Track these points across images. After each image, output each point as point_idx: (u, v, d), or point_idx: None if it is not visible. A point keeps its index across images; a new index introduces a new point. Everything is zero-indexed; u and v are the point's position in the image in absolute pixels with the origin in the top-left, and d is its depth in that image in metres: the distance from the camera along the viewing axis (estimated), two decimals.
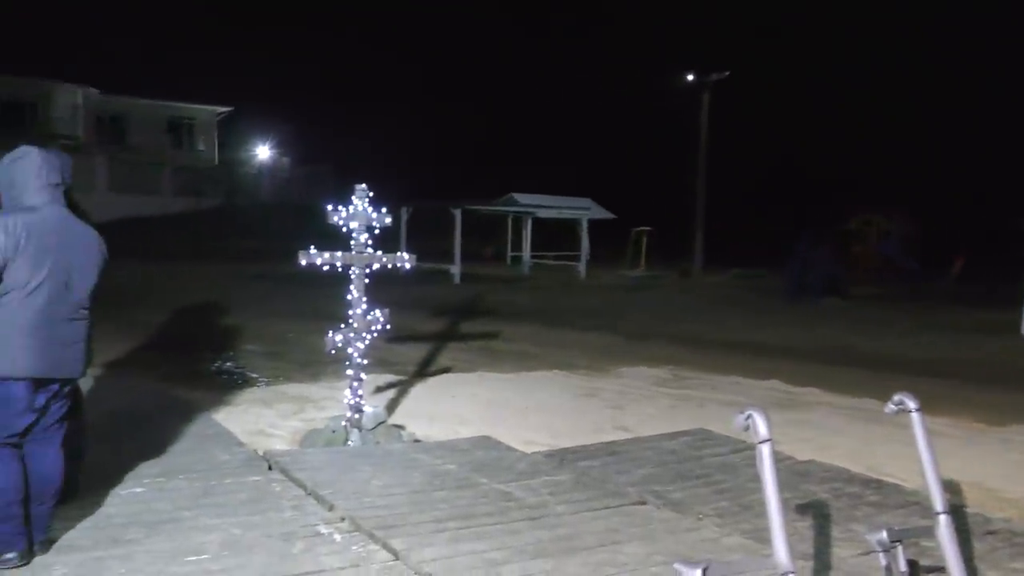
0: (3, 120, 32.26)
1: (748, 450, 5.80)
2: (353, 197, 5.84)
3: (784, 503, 4.76)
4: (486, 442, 5.85)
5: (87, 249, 3.63)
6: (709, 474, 5.35)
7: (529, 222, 28.81)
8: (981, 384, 10.11)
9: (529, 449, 5.84)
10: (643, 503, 4.70)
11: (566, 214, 30.00)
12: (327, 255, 5.70)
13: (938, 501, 2.90)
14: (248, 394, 7.51)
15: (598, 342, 12.37)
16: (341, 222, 5.81)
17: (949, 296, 22.36)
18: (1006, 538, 4.42)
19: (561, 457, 5.61)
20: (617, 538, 4.08)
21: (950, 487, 5.36)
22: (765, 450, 2.59)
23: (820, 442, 6.58)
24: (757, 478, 2.73)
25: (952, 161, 32.92)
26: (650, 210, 31.42)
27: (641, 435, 6.50)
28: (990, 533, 4.49)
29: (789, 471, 5.51)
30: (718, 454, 5.83)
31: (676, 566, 2.64)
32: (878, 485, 5.25)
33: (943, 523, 2.88)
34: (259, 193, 38.50)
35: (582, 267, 27.05)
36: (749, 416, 2.62)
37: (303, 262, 5.66)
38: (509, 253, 30.97)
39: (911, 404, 2.96)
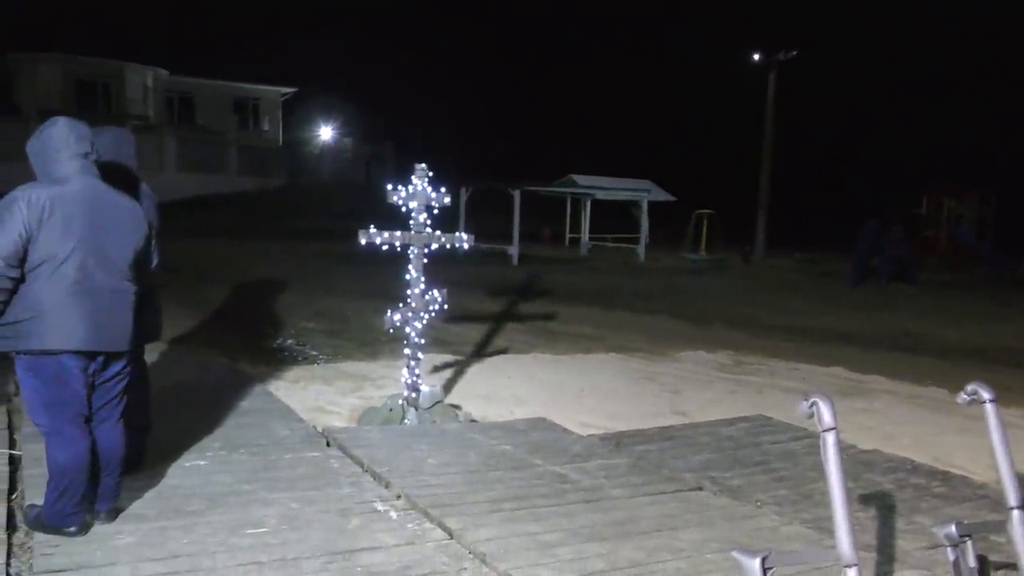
0: (78, 99, 33.20)
1: (808, 438, 5.69)
2: (413, 177, 5.85)
3: (848, 493, 4.67)
4: (542, 423, 5.84)
5: (123, 219, 3.57)
6: (768, 461, 5.25)
7: (588, 203, 28.61)
8: None
9: (585, 432, 5.82)
10: (700, 489, 4.64)
11: (625, 196, 29.72)
12: (387, 234, 5.73)
13: (1012, 495, 2.78)
14: (308, 371, 7.63)
15: (656, 325, 12.25)
16: (401, 202, 5.83)
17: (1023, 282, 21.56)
18: None
19: (617, 440, 5.57)
20: (673, 523, 4.04)
21: (1022, 481, 5.19)
22: (830, 438, 2.52)
23: (884, 431, 6.42)
24: (818, 466, 2.66)
25: None
26: (712, 193, 30.92)
27: (699, 420, 6.42)
28: None
29: (852, 460, 5.38)
30: (778, 441, 5.72)
31: (734, 554, 2.59)
32: (944, 477, 5.10)
33: (1016, 518, 2.76)
34: (321, 173, 39.00)
35: (641, 250, 26.77)
36: (814, 403, 2.55)
37: (363, 241, 5.70)
38: (568, 234, 30.82)
39: (985, 394, 2.84)
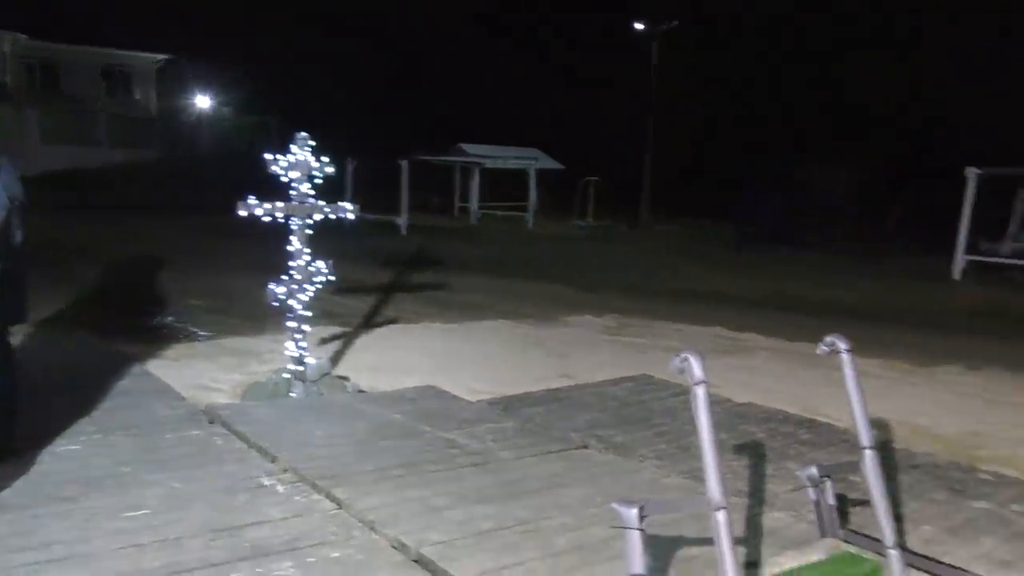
0: None
1: (688, 394, 5.94)
2: (293, 146, 5.72)
3: (722, 443, 4.90)
4: (431, 391, 5.87)
5: None
6: (650, 418, 5.46)
7: (477, 173, 28.62)
8: (914, 327, 10.44)
9: (474, 398, 5.88)
10: (585, 447, 4.77)
11: (514, 164, 29.88)
12: (267, 206, 5.59)
13: (864, 437, 2.99)
14: (189, 348, 7.41)
15: (546, 292, 12.43)
16: (281, 172, 5.69)
17: (890, 243, 22.92)
18: (929, 471, 4.61)
19: (506, 405, 5.66)
20: (560, 482, 4.15)
21: (880, 425, 5.57)
22: (700, 391, 2.64)
23: (759, 385, 6.75)
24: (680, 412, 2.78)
25: (902, 108, 33.40)
26: (599, 161, 31.40)
27: (585, 382, 6.58)
28: (914, 467, 4.68)
29: (728, 413, 5.66)
30: (659, 398, 5.94)
31: (613, 506, 2.70)
32: (812, 424, 5.43)
33: (868, 458, 2.98)
34: (200, 144, 37.51)
35: (530, 217, 27.03)
36: (685, 359, 2.66)
37: (242, 213, 5.55)
38: (457, 204, 30.78)
39: (841, 345, 3.03)
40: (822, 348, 3.07)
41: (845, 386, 3.06)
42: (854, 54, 35.60)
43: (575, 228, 26.08)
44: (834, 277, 15.89)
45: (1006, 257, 17.68)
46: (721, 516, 2.55)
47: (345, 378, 6.23)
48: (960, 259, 16.57)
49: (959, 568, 3.11)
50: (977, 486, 4.43)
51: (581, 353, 7.97)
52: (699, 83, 37.59)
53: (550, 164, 31.69)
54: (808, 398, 6.29)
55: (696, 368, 2.62)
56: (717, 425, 5.42)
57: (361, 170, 24.08)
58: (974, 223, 17.22)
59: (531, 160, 29.37)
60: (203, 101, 40.74)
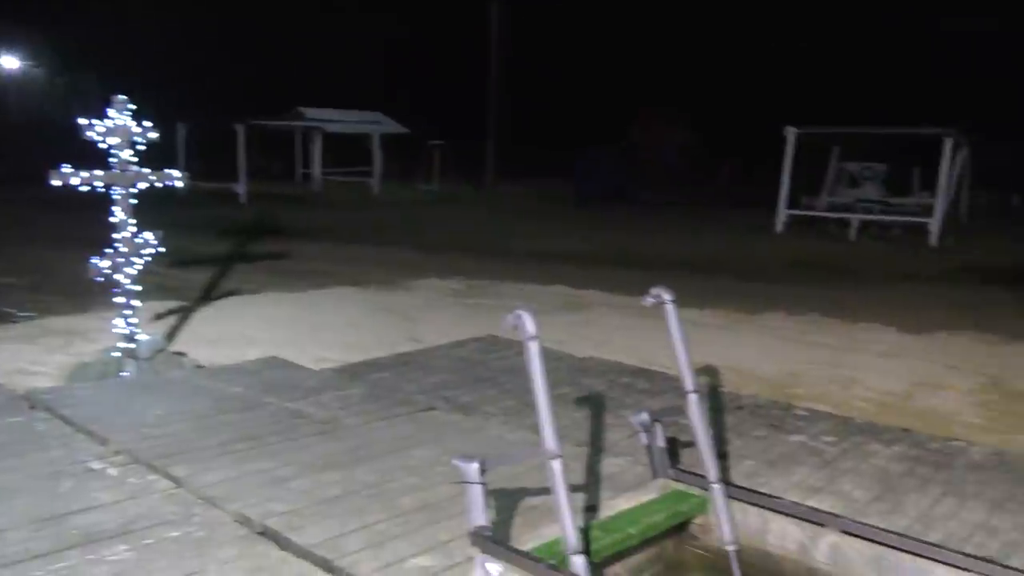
0: None
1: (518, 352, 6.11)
2: (111, 110, 5.37)
3: (564, 397, 5.09)
4: (274, 362, 5.74)
5: None
6: (496, 377, 5.57)
7: (319, 138, 27.85)
8: (742, 277, 11.13)
9: (320, 366, 5.80)
10: (433, 409, 4.82)
11: (357, 128, 29.26)
12: (84, 175, 5.25)
13: (688, 382, 3.19)
14: (5, 331, 6.88)
15: (392, 257, 12.36)
16: (99, 138, 5.35)
17: (721, 200, 24.18)
18: (752, 411, 4.97)
19: (352, 372, 5.62)
20: (407, 444, 4.18)
21: (710, 370, 5.94)
22: (532, 347, 2.72)
23: (599, 339, 7.02)
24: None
25: (731, 67, 35.00)
26: (444, 124, 31.26)
27: (433, 345, 6.62)
28: (740, 408, 5.03)
29: (570, 368, 5.86)
30: (504, 357, 6.06)
31: (454, 462, 2.76)
32: (648, 374, 5.71)
33: (692, 401, 3.18)
34: (6, 109, 34.47)
35: (376, 183, 26.64)
36: (518, 316, 2.74)
37: (57, 183, 5.18)
38: (299, 170, 29.88)
39: (666, 296, 3.20)
40: (648, 300, 3.23)
41: (670, 334, 3.24)
42: (686, 15, 36.95)
43: (421, 193, 25.96)
44: (669, 233, 16.65)
45: (823, 211, 19.10)
46: (556, 465, 2.66)
47: (182, 354, 5.99)
48: (782, 213, 17.73)
49: (775, 496, 3.39)
50: (794, 422, 4.81)
51: (428, 317, 8.01)
52: (540, 43, 38.01)
53: (394, 128, 31.24)
54: (644, 349, 6.59)
55: (528, 324, 2.70)
56: (560, 380, 5.64)
57: (194, 136, 22.92)
58: (795, 179, 18.44)
59: (374, 124, 28.88)
60: (9, 62, 37.34)
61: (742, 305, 8.88)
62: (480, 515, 2.69)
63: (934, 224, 16.08)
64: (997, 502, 3.68)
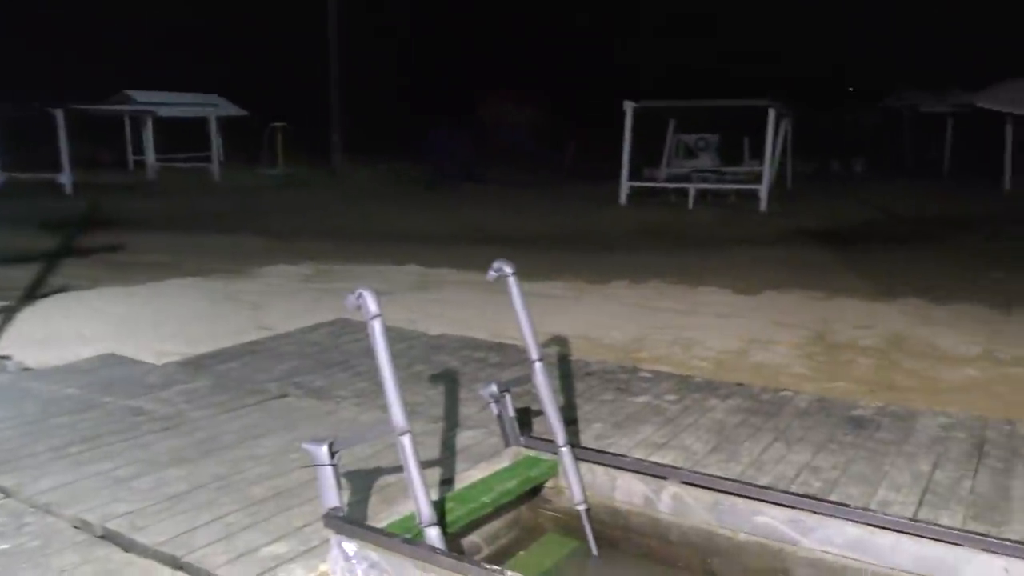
0: None
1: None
2: None
3: (418, 375, 5.11)
4: (111, 359, 5.46)
5: None
6: (348, 360, 5.52)
7: (150, 122, 26.35)
8: (590, 249, 11.47)
9: (162, 361, 5.56)
10: (284, 396, 4.74)
11: (191, 112, 27.89)
12: None
13: (533, 351, 3.27)
14: None
15: (237, 244, 11.94)
16: None
17: (569, 176, 24.72)
18: (601, 377, 5.16)
19: (197, 364, 5.42)
20: (257, 433, 4.09)
21: (560, 340, 6.12)
22: (376, 325, 2.72)
23: (452, 316, 7.07)
24: (395, 358, 2.87)
25: (574, 45, 35.63)
26: (285, 105, 30.28)
27: (283, 332, 6.47)
28: (589, 374, 5.21)
29: (424, 346, 5.88)
30: (357, 340, 6.00)
31: (304, 446, 2.73)
32: (500, 348, 5.81)
33: (537, 370, 3.27)
34: None
35: (216, 168, 25.55)
36: (359, 295, 2.73)
37: None
38: (131, 157, 28.21)
39: (507, 269, 3.26)
40: (491, 274, 3.28)
41: (513, 307, 3.31)
42: None
43: (265, 177, 25.11)
44: (520, 210, 16.90)
45: (663, 181, 19.90)
46: (406, 440, 2.68)
47: (6, 357, 5.58)
48: (625, 186, 18.34)
49: (620, 455, 3.55)
50: (639, 384, 5.03)
51: (278, 303, 7.81)
52: (383, 22, 37.43)
53: (232, 111, 29.97)
54: (496, 324, 6.69)
55: (370, 303, 2.70)
56: (414, 358, 5.65)
57: (10, 124, 21.18)
58: (637, 152, 19.10)
59: (211, 107, 27.61)
60: None
61: (590, 275, 9.16)
62: (333, 497, 2.68)
63: (763, 191, 17.08)
64: (820, 444, 4.01)
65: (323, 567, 2.71)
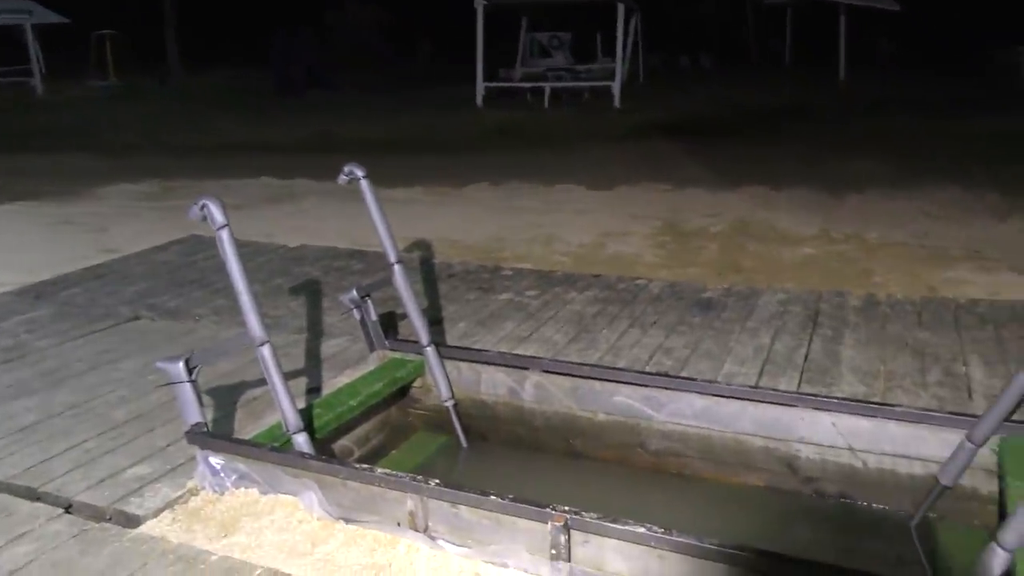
0: None
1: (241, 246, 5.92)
2: None
3: (279, 288, 5.02)
4: None
5: None
6: (203, 278, 5.34)
7: None
8: (448, 152, 11.39)
9: None
10: (137, 318, 4.55)
11: (1, 20, 25.29)
12: None
13: (390, 254, 3.27)
14: None
15: (70, 164, 11.13)
16: None
17: (423, 78, 24.17)
18: (464, 278, 5.22)
19: (37, 292, 5.10)
20: (111, 358, 3.94)
21: (422, 244, 6.12)
22: (224, 235, 2.65)
23: (311, 228, 6.92)
24: (249, 271, 2.81)
25: None
26: (112, 11, 27.93)
27: (130, 253, 6.16)
28: (452, 276, 5.26)
29: (283, 258, 5.76)
30: (211, 256, 5.78)
31: (158, 365, 2.67)
32: (362, 255, 5.76)
33: (396, 272, 3.28)
34: None
35: (37, 82, 23.47)
36: (204, 205, 2.63)
37: None
38: None
39: (359, 172, 3.22)
40: (341, 178, 3.23)
41: (368, 211, 3.29)
42: None
43: (96, 90, 23.31)
44: (374, 115, 16.47)
45: (518, 81, 19.82)
46: (266, 351, 2.66)
47: None
48: (480, 87, 18.15)
49: (484, 350, 3.65)
50: (501, 282, 5.13)
51: (121, 225, 7.40)
52: None
53: (51, 18, 27.39)
54: (357, 232, 6.58)
55: (217, 213, 2.61)
56: (274, 271, 5.53)
57: None
58: (493, 52, 18.87)
59: (23, 14, 25.10)
60: None
61: (449, 179, 9.13)
62: (194, 413, 2.64)
63: (616, 87, 17.33)
64: (671, 326, 4.23)
65: (191, 483, 2.69)
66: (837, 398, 3.04)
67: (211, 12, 31.88)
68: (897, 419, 2.84)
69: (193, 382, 2.63)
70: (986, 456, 2.70)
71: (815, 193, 8.07)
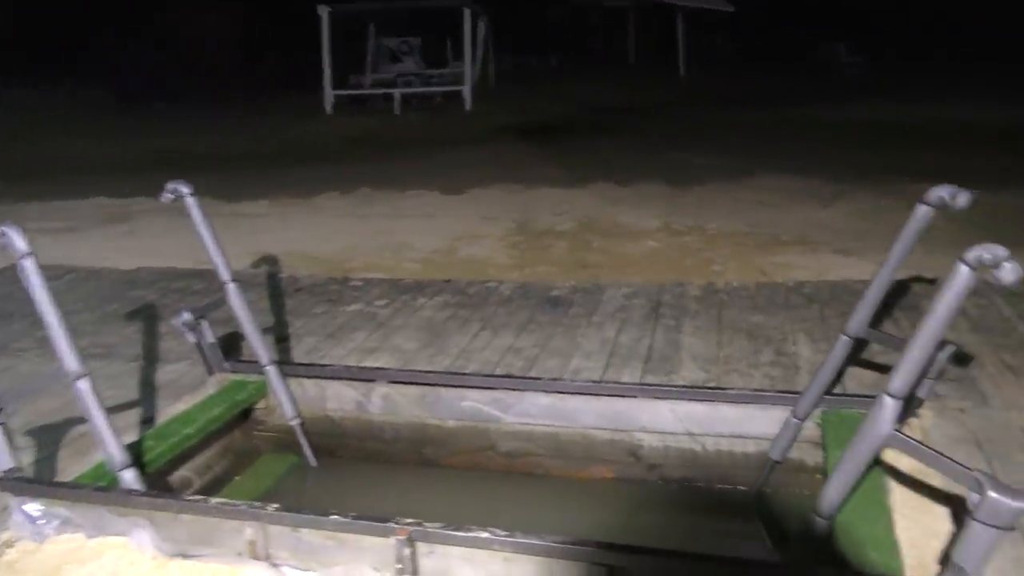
0: None
1: (70, 274, 5.57)
2: None
3: (113, 313, 4.74)
4: None
5: None
6: (23, 309, 4.93)
7: None
8: (296, 162, 11.10)
9: None
10: None
11: None
12: None
13: (223, 272, 3.15)
14: None
15: None
16: None
17: (271, 87, 23.47)
18: (311, 291, 5.10)
19: None
20: None
21: (268, 259, 5.94)
22: (28, 264, 2.47)
23: (148, 247, 6.59)
24: (84, 297, 2.62)
25: None
26: None
27: None
28: (299, 290, 5.13)
29: (115, 282, 5.46)
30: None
31: None
32: (202, 275, 5.50)
33: (230, 291, 3.16)
34: None
35: None
36: (2, 233, 2.44)
37: None
38: None
39: (184, 190, 3.08)
40: (166, 196, 3.09)
41: (196, 229, 3.15)
42: None
43: None
44: (220, 126, 15.89)
45: (370, 88, 19.60)
46: (83, 384, 2.50)
47: None
48: (329, 94, 17.83)
49: (328, 365, 3.56)
50: (351, 293, 5.04)
51: None
52: None
53: None
54: (198, 249, 6.31)
55: (17, 240, 2.43)
56: (105, 297, 5.22)
57: None
58: (344, 60, 18.56)
59: None
60: None
61: (297, 189, 8.89)
62: (5, 458, 2.45)
63: (466, 91, 17.42)
64: (521, 326, 4.28)
65: (6, 535, 2.48)
66: (674, 386, 3.15)
67: (40, 21, 29.86)
68: (730, 401, 2.97)
69: (2, 424, 2.43)
70: (811, 429, 2.87)
71: (659, 187, 8.36)
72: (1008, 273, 1.75)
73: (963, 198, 2.27)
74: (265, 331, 4.19)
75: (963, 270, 1.83)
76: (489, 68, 22.18)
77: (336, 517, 2.20)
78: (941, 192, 2.33)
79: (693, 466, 3.03)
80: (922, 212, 2.42)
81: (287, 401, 3.24)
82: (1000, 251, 1.77)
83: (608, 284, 4.98)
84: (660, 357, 3.77)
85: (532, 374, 3.56)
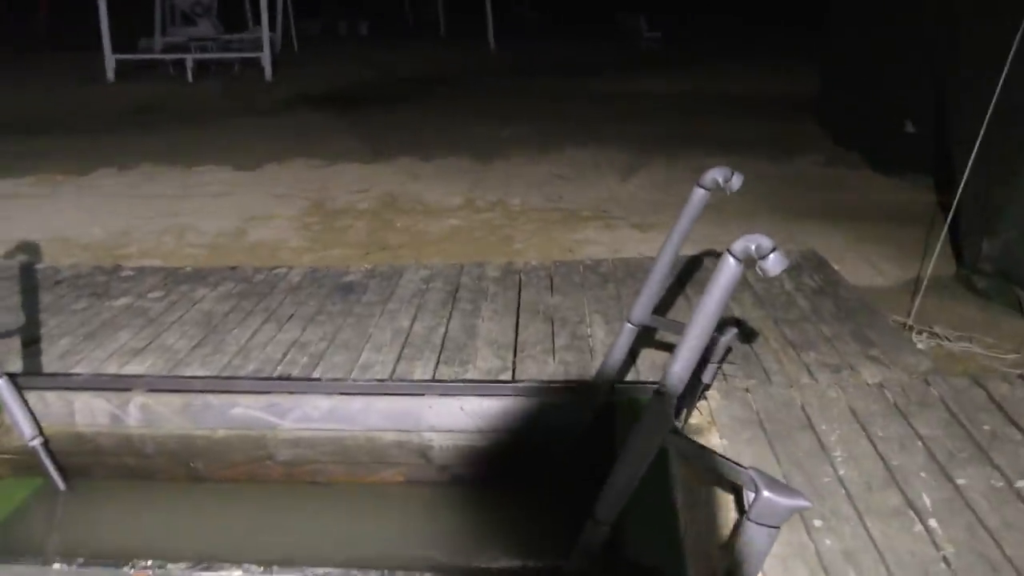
0: None
1: None
2: None
3: None
4: None
5: None
6: None
7: None
8: (71, 133, 10.04)
9: None
10: None
11: None
12: None
13: None
14: None
15: None
16: None
17: (45, 46, 21.27)
18: (73, 283, 4.55)
19: None
20: None
21: (25, 247, 5.29)
22: None
23: None
24: None
25: None
26: None
27: None
28: (58, 283, 4.56)
29: None
30: None
31: None
32: None
33: None
34: None
35: None
36: None
37: None
38: None
39: None
40: None
41: None
42: None
43: None
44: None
45: (160, 52, 18.13)
46: None
47: None
48: (110, 58, 16.33)
49: (74, 374, 3.14)
50: (119, 284, 4.53)
51: None
52: None
53: None
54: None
55: None
56: None
57: None
58: (135, 19, 17.00)
59: None
60: None
61: (69, 165, 8.02)
62: None
63: (266, 58, 16.49)
64: (309, 318, 3.99)
65: None
66: (463, 381, 3.01)
67: None
68: (518, 395, 2.86)
69: None
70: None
71: (463, 161, 8.21)
72: (773, 264, 1.72)
73: (736, 180, 2.29)
74: (10, 334, 3.69)
75: (730, 262, 1.78)
76: (292, 33, 21.16)
77: (60, 566, 1.88)
78: (715, 175, 2.32)
79: (486, 465, 2.91)
80: (699, 196, 2.40)
81: (24, 418, 2.82)
82: (765, 242, 1.74)
83: (406, 267, 4.76)
84: (455, 347, 3.61)
85: (317, 371, 3.31)
